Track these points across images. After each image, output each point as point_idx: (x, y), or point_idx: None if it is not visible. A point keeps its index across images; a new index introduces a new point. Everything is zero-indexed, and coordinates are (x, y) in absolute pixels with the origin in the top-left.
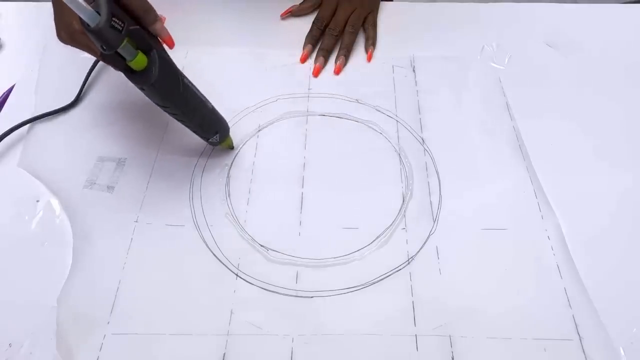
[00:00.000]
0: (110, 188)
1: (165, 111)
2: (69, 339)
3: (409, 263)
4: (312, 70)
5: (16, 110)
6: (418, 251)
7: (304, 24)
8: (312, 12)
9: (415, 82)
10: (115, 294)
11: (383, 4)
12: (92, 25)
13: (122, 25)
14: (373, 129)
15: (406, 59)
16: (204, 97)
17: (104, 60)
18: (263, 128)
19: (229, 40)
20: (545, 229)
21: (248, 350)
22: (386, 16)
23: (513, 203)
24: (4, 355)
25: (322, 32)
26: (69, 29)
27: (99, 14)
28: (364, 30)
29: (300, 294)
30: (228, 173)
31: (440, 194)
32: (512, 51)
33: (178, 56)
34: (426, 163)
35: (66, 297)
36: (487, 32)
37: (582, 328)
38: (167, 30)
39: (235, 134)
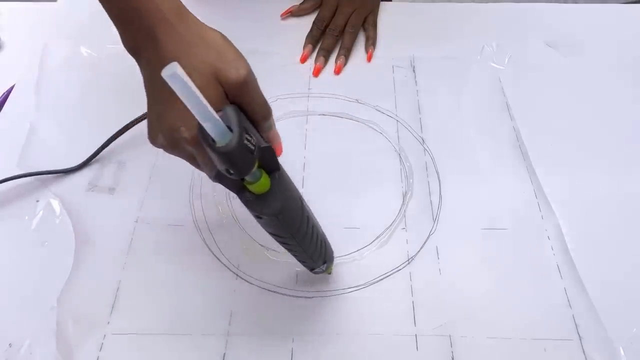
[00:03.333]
0: (111, 190)
1: (275, 238)
2: (69, 339)
3: (409, 263)
4: (312, 70)
5: (16, 110)
6: (418, 251)
7: (304, 24)
8: (312, 12)
9: (415, 82)
10: (115, 294)
11: (383, 4)
12: (220, 142)
13: (254, 144)
14: (373, 128)
15: (406, 59)
16: (316, 220)
17: (215, 179)
18: None
19: (229, 40)
20: (545, 229)
21: (248, 350)
22: (386, 16)
23: (513, 203)
24: (4, 355)
25: (323, 32)
26: (174, 136)
27: (230, 130)
28: (364, 31)
29: (300, 294)
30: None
31: (440, 194)
32: (512, 51)
33: None
34: (426, 163)
35: (66, 297)
36: (487, 32)
37: (582, 328)
38: (279, 136)
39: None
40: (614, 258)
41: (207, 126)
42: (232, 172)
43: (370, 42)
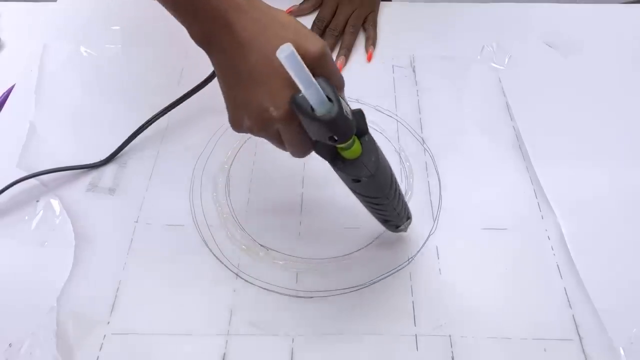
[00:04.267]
0: (111, 190)
1: (368, 201)
2: (69, 339)
3: (409, 263)
4: None
5: (16, 110)
6: (418, 251)
7: (304, 24)
8: (312, 12)
9: (415, 82)
10: (115, 294)
11: (383, 4)
12: (320, 111)
13: (349, 110)
14: (373, 128)
15: (406, 59)
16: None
17: (305, 153)
18: None
19: None
20: (545, 229)
21: (248, 350)
22: (386, 16)
23: (513, 203)
24: (4, 355)
25: (323, 32)
26: (263, 116)
27: (329, 100)
28: (364, 30)
29: (300, 294)
30: (228, 173)
31: (440, 194)
32: (512, 51)
33: (178, 57)
34: (426, 163)
35: (66, 297)
36: (487, 32)
37: (582, 328)
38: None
39: (235, 134)
40: (614, 258)
41: (310, 95)
42: (336, 138)
43: (370, 42)
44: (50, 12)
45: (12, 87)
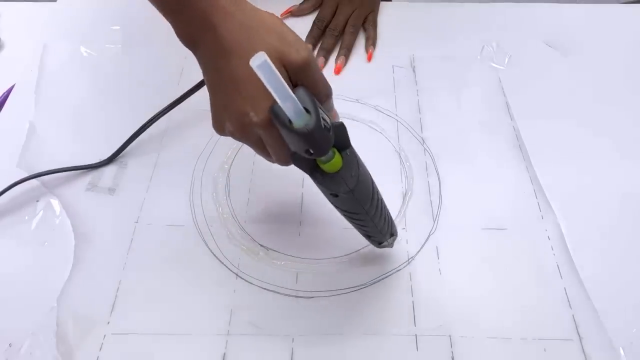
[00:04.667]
0: (111, 190)
1: (347, 215)
2: (69, 339)
3: (409, 263)
4: None
5: (16, 110)
6: (418, 251)
7: (304, 24)
8: (312, 12)
9: (415, 82)
10: (115, 294)
11: (383, 4)
12: (297, 123)
13: (328, 123)
14: (373, 128)
15: (406, 59)
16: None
17: (286, 162)
18: None
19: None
20: (545, 229)
21: (248, 350)
22: (386, 16)
23: (513, 203)
24: (4, 355)
25: (323, 32)
26: (243, 121)
27: (307, 111)
28: (364, 30)
29: (300, 294)
30: (228, 173)
31: (440, 194)
32: (512, 51)
33: (178, 57)
34: (426, 163)
35: (66, 297)
36: (487, 32)
37: (582, 328)
38: (338, 114)
39: None
40: (614, 258)
41: (287, 107)
42: (312, 151)
43: (370, 42)
44: (50, 12)
45: (12, 87)
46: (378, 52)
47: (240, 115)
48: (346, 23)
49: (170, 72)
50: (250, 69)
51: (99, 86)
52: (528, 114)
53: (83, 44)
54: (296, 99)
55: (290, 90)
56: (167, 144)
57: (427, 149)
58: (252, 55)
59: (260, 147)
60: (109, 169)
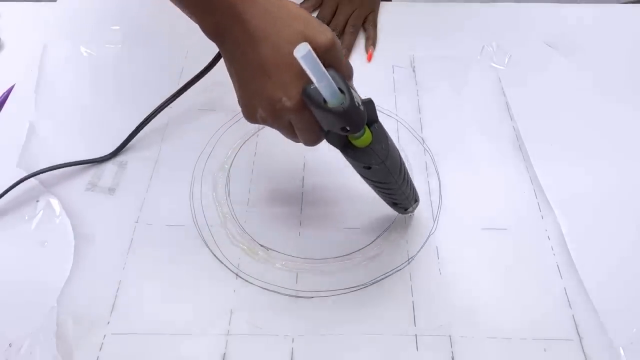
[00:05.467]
0: (111, 190)
1: (378, 186)
2: (69, 339)
3: (409, 263)
4: None
5: (16, 110)
6: (418, 251)
7: None
8: (312, 12)
9: (415, 82)
10: (115, 294)
11: (383, 4)
12: (332, 103)
13: (359, 100)
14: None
15: (406, 59)
16: None
17: (315, 142)
18: (263, 128)
19: None
20: (545, 229)
21: (248, 350)
22: (386, 16)
23: (513, 203)
24: (4, 355)
25: None
26: (275, 107)
27: (341, 91)
28: (364, 30)
29: (300, 294)
30: (228, 173)
31: (440, 194)
32: (512, 51)
33: (178, 57)
34: (426, 163)
35: (66, 297)
36: (487, 32)
37: (582, 328)
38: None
39: (235, 134)
40: (614, 258)
41: (323, 87)
42: (348, 128)
43: (371, 42)
44: (50, 12)
45: (12, 87)
46: (378, 52)
47: (273, 101)
48: (346, 23)
49: (170, 72)
50: (280, 55)
51: (99, 86)
52: (528, 114)
53: (83, 44)
54: (331, 80)
55: (326, 73)
56: (167, 143)
57: (427, 149)
58: (280, 41)
59: (290, 131)
60: (109, 169)
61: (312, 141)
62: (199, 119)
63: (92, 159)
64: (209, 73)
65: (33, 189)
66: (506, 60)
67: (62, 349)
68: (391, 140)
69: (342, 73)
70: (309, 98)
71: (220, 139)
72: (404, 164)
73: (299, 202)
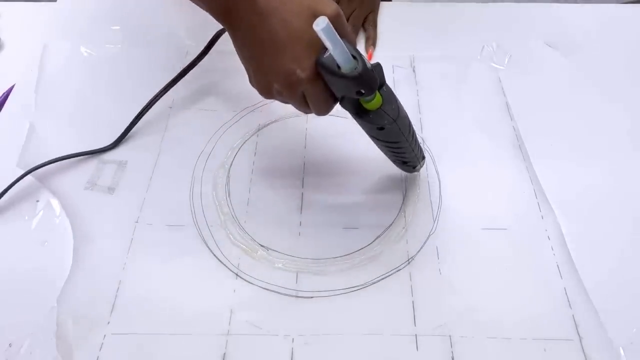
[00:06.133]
0: (110, 189)
1: (390, 146)
2: (69, 339)
3: (409, 263)
4: None
5: (16, 110)
6: (418, 251)
7: None
8: None
9: (415, 82)
10: (115, 294)
11: (383, 4)
12: (346, 69)
13: (369, 65)
14: None
15: (406, 59)
16: None
17: (327, 110)
18: (263, 128)
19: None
20: (545, 229)
21: (248, 350)
22: (386, 16)
23: (513, 203)
24: (4, 355)
25: None
26: (291, 79)
27: (354, 58)
28: (364, 30)
29: (300, 294)
30: (228, 173)
31: (440, 194)
32: (512, 51)
33: (178, 56)
34: (426, 163)
35: (66, 297)
36: (487, 32)
37: (582, 328)
38: None
39: (235, 134)
40: (614, 258)
41: (338, 54)
42: (363, 91)
43: (370, 42)
44: (50, 12)
45: (12, 87)
46: (378, 52)
47: (288, 74)
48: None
49: (170, 72)
50: (289, 29)
51: (99, 86)
52: (528, 114)
53: (83, 44)
54: (345, 47)
55: (341, 41)
56: (167, 143)
57: (427, 149)
58: (288, 15)
59: (302, 102)
60: (109, 169)
61: (324, 110)
62: (199, 119)
63: (93, 150)
64: (208, 73)
65: (33, 189)
66: (506, 60)
67: (62, 349)
68: (399, 101)
69: (349, 40)
70: (323, 67)
71: (220, 139)
72: (411, 123)
73: (299, 202)
